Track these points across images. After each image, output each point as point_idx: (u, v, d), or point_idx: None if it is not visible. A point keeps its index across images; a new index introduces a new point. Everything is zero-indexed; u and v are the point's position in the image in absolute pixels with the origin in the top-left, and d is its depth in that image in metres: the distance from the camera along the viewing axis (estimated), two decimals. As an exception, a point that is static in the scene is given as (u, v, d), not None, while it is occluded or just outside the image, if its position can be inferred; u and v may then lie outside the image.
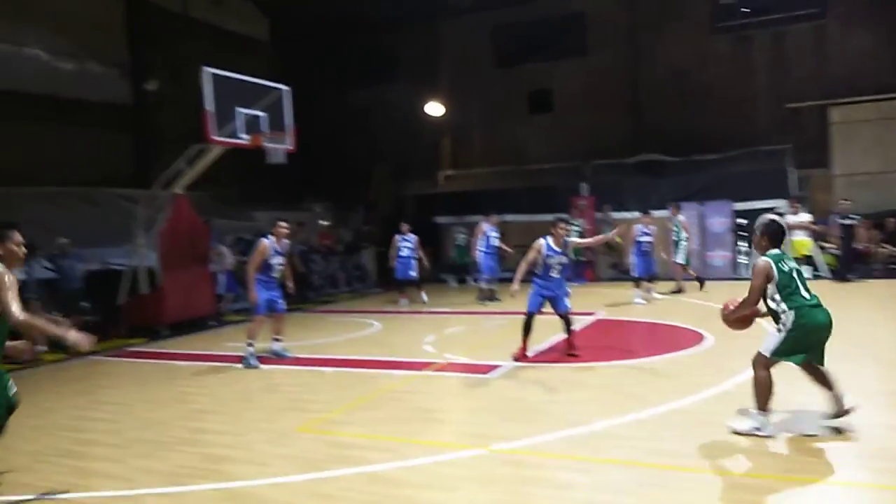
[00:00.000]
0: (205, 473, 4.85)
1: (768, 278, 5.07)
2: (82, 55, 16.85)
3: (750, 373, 6.75)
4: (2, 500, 4.56)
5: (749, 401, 5.31)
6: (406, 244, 14.38)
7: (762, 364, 5.14)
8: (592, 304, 12.52)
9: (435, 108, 20.91)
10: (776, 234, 5.25)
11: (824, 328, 5.06)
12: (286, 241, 9.02)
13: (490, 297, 13.84)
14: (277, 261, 8.82)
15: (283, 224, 9.05)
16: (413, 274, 14.31)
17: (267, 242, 8.78)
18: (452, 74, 21.33)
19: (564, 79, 20.13)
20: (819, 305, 5.07)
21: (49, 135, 15.57)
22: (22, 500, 4.53)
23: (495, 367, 7.75)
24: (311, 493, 4.42)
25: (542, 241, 8.07)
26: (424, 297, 14.07)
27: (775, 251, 5.18)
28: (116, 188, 15.97)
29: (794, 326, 4.99)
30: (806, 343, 5.05)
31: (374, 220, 20.99)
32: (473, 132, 21.44)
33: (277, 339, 9.02)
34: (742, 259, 15.91)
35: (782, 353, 5.08)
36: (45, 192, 14.56)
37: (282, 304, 8.94)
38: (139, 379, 8.34)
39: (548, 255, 7.97)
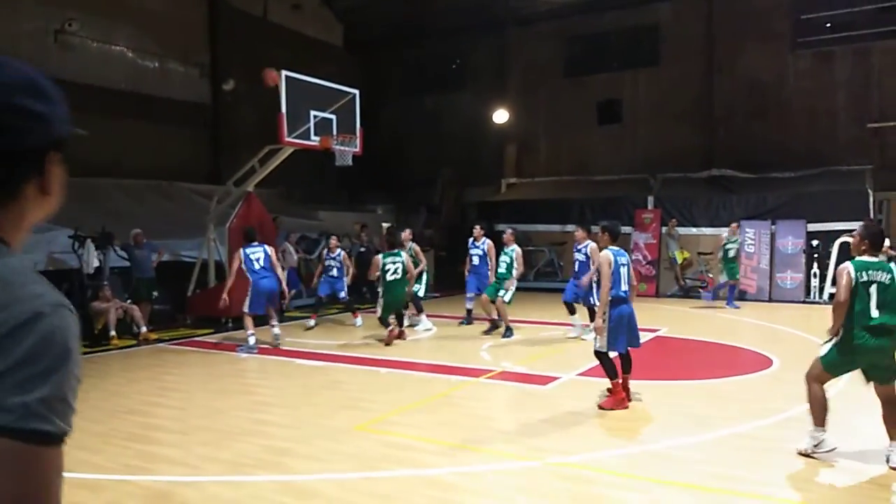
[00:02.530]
0: (265, 465, 4.97)
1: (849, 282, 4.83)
2: (165, 54, 17.56)
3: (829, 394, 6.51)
4: (69, 477, 4.76)
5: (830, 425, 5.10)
6: (475, 251, 11.88)
7: (814, 377, 4.95)
8: (655, 320, 12.26)
9: (501, 116, 20.92)
10: (875, 238, 5.02)
11: (871, 351, 4.82)
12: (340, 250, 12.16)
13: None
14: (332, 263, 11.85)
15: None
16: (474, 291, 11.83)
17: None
18: (521, 82, 21.29)
19: (635, 89, 19.84)
20: (882, 327, 4.77)
21: (131, 130, 16.25)
22: (90, 479, 4.72)
23: (553, 378, 7.68)
24: (368, 491, 4.46)
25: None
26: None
27: (864, 259, 4.92)
28: (192, 183, 16.57)
29: (843, 339, 4.83)
30: (853, 361, 4.89)
31: (435, 224, 21.12)
32: (539, 141, 21.35)
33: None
34: (814, 282, 15.33)
35: (830, 365, 4.97)
36: (123, 184, 15.23)
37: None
38: (204, 368, 8.61)
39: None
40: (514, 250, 10.75)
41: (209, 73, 18.60)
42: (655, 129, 19.19)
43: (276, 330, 9.69)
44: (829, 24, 17.83)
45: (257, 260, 9.47)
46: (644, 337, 10.43)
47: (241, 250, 9.56)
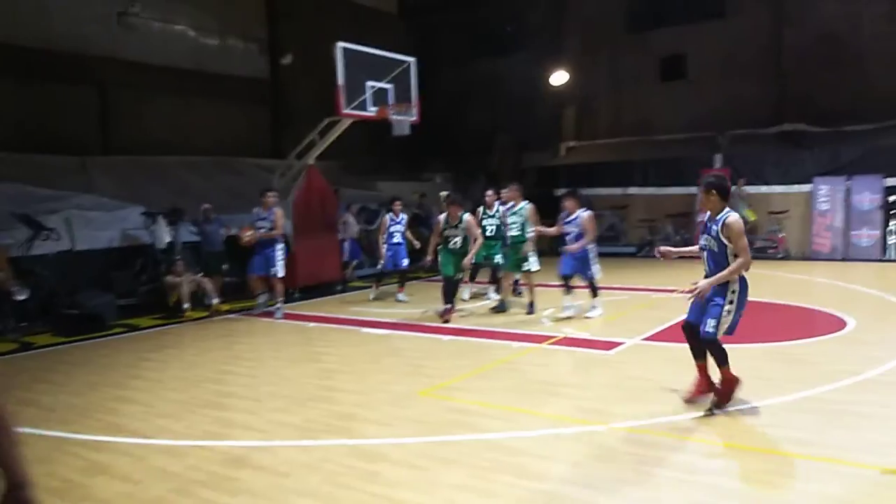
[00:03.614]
0: (334, 429, 5.13)
1: None
2: (225, 31, 17.87)
3: (892, 361, 6.28)
4: (152, 444, 5.03)
5: (892, 389, 4.93)
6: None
7: None
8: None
9: (559, 77, 20.49)
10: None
11: None
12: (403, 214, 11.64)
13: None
14: (397, 229, 11.53)
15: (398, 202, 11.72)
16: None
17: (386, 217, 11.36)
18: (579, 41, 20.77)
19: (700, 44, 19.08)
20: None
21: (195, 107, 16.70)
22: (172, 445, 4.98)
23: (617, 343, 7.62)
24: (432, 455, 4.56)
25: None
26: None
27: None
28: (255, 158, 16.94)
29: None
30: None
31: (495, 191, 20.98)
32: (599, 101, 20.86)
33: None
34: (891, 239, 14.63)
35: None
36: (190, 160, 15.69)
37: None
38: (273, 338, 8.89)
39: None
40: (525, 207, 9.91)
41: (267, 48, 18.85)
42: (722, 85, 18.45)
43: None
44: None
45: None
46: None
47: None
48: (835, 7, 17.07)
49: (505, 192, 10.23)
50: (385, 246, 11.50)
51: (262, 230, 10.20)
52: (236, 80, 17.85)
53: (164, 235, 11.63)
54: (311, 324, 9.67)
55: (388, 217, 11.64)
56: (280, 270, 10.29)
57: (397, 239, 11.58)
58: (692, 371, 6.39)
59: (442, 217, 9.92)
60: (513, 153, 21.76)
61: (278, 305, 10.37)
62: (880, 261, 14.58)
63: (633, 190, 18.24)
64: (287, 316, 10.30)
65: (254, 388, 6.41)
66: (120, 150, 15.04)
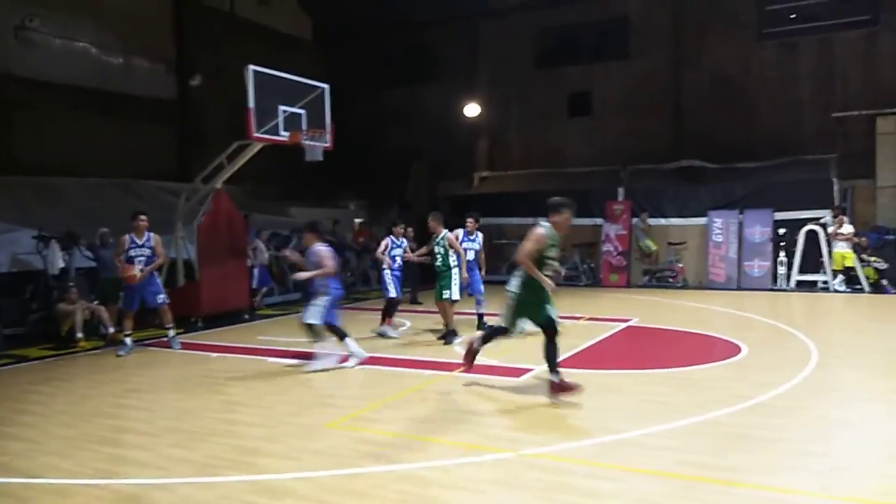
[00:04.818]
0: (236, 465, 4.92)
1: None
2: (130, 50, 17.27)
3: (786, 384, 6.66)
4: (38, 483, 4.68)
5: (784, 412, 5.20)
6: (472, 246, 10.69)
7: None
8: (626, 310, 12.39)
9: (473, 109, 20.91)
10: None
11: None
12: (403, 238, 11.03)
13: None
14: (398, 253, 10.63)
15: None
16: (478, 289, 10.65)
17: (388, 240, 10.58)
18: (492, 75, 21.32)
19: (605, 81, 19.99)
20: None
21: (96, 127, 15.98)
22: (59, 485, 4.64)
23: (526, 370, 7.72)
24: (341, 489, 4.44)
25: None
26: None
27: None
28: (158, 181, 16.33)
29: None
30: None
31: (408, 218, 21.05)
32: (511, 133, 21.41)
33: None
34: (781, 269, 15.60)
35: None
36: (89, 182, 14.96)
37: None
38: (173, 369, 8.50)
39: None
40: (445, 236, 9.96)
41: (175, 68, 18.33)
42: (625, 121, 19.37)
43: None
44: (793, 15, 18.11)
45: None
46: (615, 327, 10.60)
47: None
48: (728, 52, 18.29)
49: (431, 222, 10.20)
50: (388, 272, 10.38)
51: (142, 259, 9.47)
52: (141, 101, 17.24)
53: (58, 260, 11.01)
54: (215, 354, 9.31)
55: (388, 240, 10.62)
56: (166, 297, 9.80)
57: (399, 263, 10.66)
58: (599, 396, 6.54)
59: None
60: (427, 182, 21.94)
61: (173, 334, 9.83)
62: (771, 290, 15.48)
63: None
64: (189, 346, 9.88)
65: (151, 423, 6.09)
66: (15, 171, 14.13)
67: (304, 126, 11.64)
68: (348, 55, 22.73)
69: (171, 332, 9.78)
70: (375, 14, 21.43)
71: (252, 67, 10.84)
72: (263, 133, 11.02)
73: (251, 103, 10.78)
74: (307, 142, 11.58)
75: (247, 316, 12.64)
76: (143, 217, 9.55)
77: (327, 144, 12.03)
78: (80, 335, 10.05)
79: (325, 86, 12.22)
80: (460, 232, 10.52)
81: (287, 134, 11.37)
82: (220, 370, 8.28)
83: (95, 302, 10.65)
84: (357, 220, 20.02)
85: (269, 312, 13.29)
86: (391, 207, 21.37)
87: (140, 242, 9.46)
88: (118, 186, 15.55)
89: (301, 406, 6.51)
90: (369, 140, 21.61)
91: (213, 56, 18.14)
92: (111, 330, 10.34)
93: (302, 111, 11.69)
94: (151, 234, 9.58)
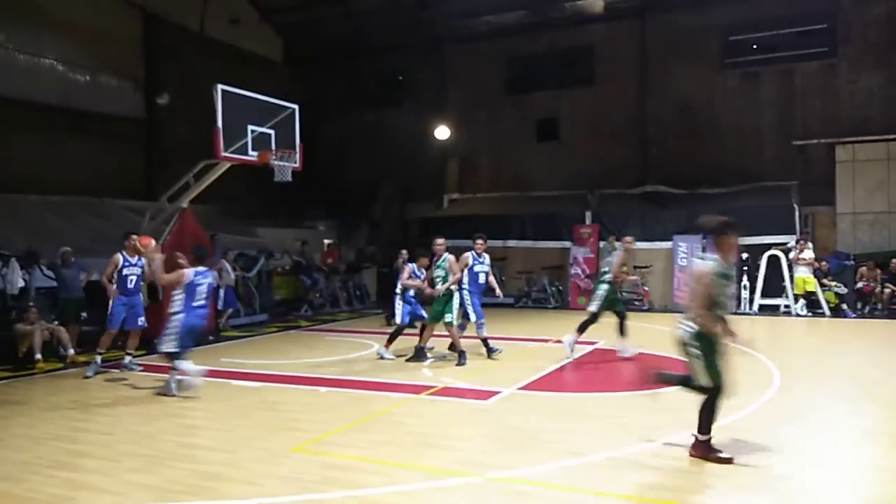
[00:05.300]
0: (196, 490, 4.81)
1: None
2: (98, 68, 17.07)
3: (749, 408, 6.75)
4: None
5: (747, 436, 5.25)
6: (482, 268, 10.44)
7: None
8: (593, 333, 12.45)
9: (443, 132, 21.04)
10: None
11: None
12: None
13: None
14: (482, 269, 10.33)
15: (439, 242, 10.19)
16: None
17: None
18: (461, 99, 21.50)
19: (572, 108, 20.28)
20: None
21: (61, 145, 15.71)
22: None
23: (494, 392, 7.71)
24: (302, 514, 4.37)
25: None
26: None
27: None
28: (124, 199, 16.07)
29: None
30: None
31: (377, 240, 21.04)
32: (480, 157, 21.56)
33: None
34: (745, 293, 15.87)
35: None
36: (52, 200, 14.66)
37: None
38: (133, 391, 8.31)
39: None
40: (447, 259, 9.94)
41: (143, 87, 18.15)
42: (591, 147, 19.64)
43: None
44: (755, 46, 18.61)
45: (201, 288, 8.13)
46: (582, 349, 10.65)
47: (189, 272, 8.06)
48: (692, 81, 18.71)
49: (438, 246, 10.06)
50: (467, 292, 10.04)
51: (133, 277, 9.48)
52: (108, 119, 17.01)
53: (17, 279, 10.73)
54: (176, 377, 9.10)
55: (469, 255, 10.21)
56: (145, 322, 9.69)
57: (482, 280, 10.31)
58: (566, 419, 6.56)
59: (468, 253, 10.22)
60: (397, 203, 21.96)
61: (129, 360, 9.62)
62: (734, 314, 15.70)
63: (511, 243, 18.78)
64: (150, 368, 9.68)
65: (109, 447, 5.93)
66: (-23, 188, 13.82)
67: (273, 146, 11.60)
68: (319, 77, 22.76)
69: (129, 358, 9.58)
70: (346, 38, 21.56)
71: (220, 86, 10.80)
72: (232, 152, 10.95)
73: (219, 122, 10.71)
74: (276, 162, 11.53)
75: (211, 337, 12.43)
76: (134, 236, 9.59)
77: (296, 165, 11.99)
78: (38, 356, 9.79)
79: (295, 106, 12.22)
80: (470, 255, 10.26)
81: (255, 154, 11.31)
82: (181, 393, 8.11)
83: (55, 322, 10.39)
84: (326, 241, 19.90)
85: (235, 334, 13.10)
86: (360, 228, 21.34)
87: (133, 261, 9.49)
88: (82, 205, 15.27)
89: (264, 430, 6.40)
90: (339, 161, 21.60)
91: (183, 75, 18.01)
92: (71, 351, 10.09)
93: (271, 131, 11.66)
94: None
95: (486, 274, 10.48)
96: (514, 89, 21.19)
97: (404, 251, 11.60)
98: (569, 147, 20.19)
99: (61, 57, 16.26)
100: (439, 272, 9.93)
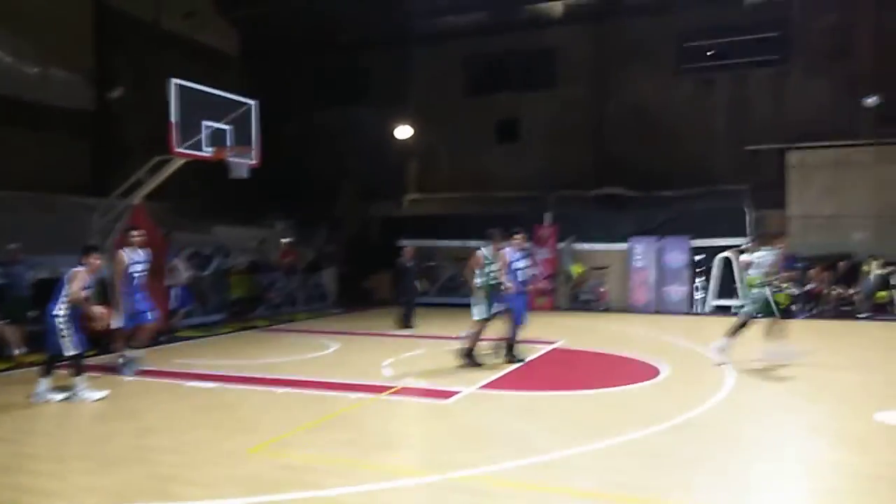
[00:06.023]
0: (150, 493, 4.68)
1: None
2: (46, 59, 16.53)
3: (704, 405, 6.88)
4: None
5: (701, 433, 5.35)
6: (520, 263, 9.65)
7: None
8: (552, 333, 12.57)
9: (403, 131, 20.98)
10: None
11: None
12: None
13: None
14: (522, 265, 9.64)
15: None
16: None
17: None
18: (422, 99, 21.48)
19: (532, 110, 20.45)
20: None
21: (8, 138, 15.17)
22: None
23: (454, 392, 7.70)
24: (260, 516, 4.29)
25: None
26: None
27: None
28: (74, 195, 15.59)
29: None
30: None
31: (337, 239, 20.86)
32: (440, 157, 21.57)
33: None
34: (698, 294, 16.21)
35: None
36: (-3, 195, 14.14)
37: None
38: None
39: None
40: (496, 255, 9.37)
41: (95, 79, 17.65)
42: (550, 149, 19.83)
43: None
44: (710, 52, 19.04)
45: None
46: (541, 349, 10.73)
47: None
48: (649, 85, 19.05)
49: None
50: (511, 284, 9.32)
51: (139, 274, 9.21)
52: (57, 112, 16.48)
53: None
54: (128, 377, 8.89)
55: (507, 251, 9.45)
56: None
57: (521, 277, 9.62)
58: (525, 418, 6.60)
59: (486, 251, 9.36)
60: (355, 203, 21.82)
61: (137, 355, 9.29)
62: (688, 314, 16.04)
63: (472, 243, 18.83)
64: (103, 368, 9.39)
65: (58, 449, 5.74)
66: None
67: (230, 142, 11.38)
68: (279, 73, 22.45)
69: (131, 354, 9.14)
70: (306, 32, 21.30)
71: (175, 80, 10.55)
72: (186, 148, 10.71)
73: (173, 117, 10.46)
74: (232, 158, 11.31)
75: (164, 338, 12.15)
76: (134, 232, 9.36)
77: (253, 162, 11.79)
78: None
79: (253, 102, 12.01)
80: (509, 250, 9.46)
81: (211, 150, 11.09)
82: (133, 394, 7.91)
83: (3, 321, 10.03)
84: (283, 240, 19.64)
85: (189, 334, 12.83)
86: (320, 228, 21.11)
87: (138, 258, 9.24)
88: (31, 200, 14.75)
89: (221, 431, 6.27)
90: (298, 159, 21.34)
91: (135, 68, 17.57)
92: (17, 351, 9.75)
93: (227, 127, 11.43)
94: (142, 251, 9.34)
95: (526, 271, 9.68)
96: (474, 90, 21.27)
97: (407, 248, 11.29)
98: (528, 148, 20.36)
99: (9, 48, 15.71)
100: (493, 267, 9.32)
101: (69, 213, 14.48)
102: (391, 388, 8.04)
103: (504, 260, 9.38)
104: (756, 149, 17.71)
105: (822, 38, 17.67)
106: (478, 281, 9.40)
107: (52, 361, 7.55)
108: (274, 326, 14.48)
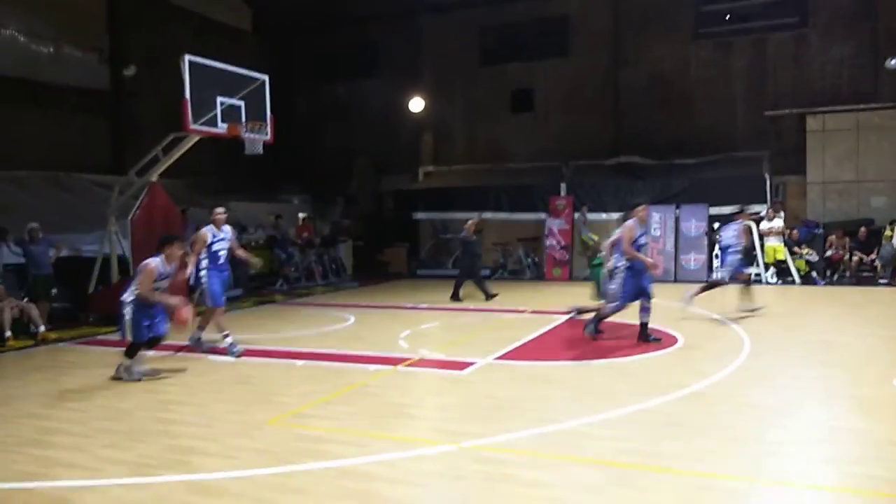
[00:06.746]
0: (171, 464, 4.79)
1: None
2: (61, 39, 16.61)
3: (720, 373, 6.88)
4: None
5: (717, 401, 5.35)
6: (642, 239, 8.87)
7: None
8: (568, 302, 12.56)
9: (417, 104, 20.87)
10: None
11: None
12: None
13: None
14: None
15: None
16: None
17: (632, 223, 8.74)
18: (436, 71, 21.31)
19: (546, 79, 20.21)
20: None
21: (24, 118, 15.33)
22: (-19, 488, 4.44)
23: (469, 363, 7.76)
24: (280, 486, 4.38)
25: None
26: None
27: None
28: (91, 174, 15.76)
29: None
30: None
31: (352, 213, 20.92)
32: (455, 129, 21.45)
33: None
34: (716, 262, 16.07)
35: None
36: (17, 175, 14.32)
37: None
38: (107, 368, 8.20)
39: None
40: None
41: (108, 58, 17.70)
42: (566, 118, 19.64)
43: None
44: (727, 16, 18.65)
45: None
46: (558, 319, 10.75)
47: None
48: (664, 52, 18.72)
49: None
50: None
51: (224, 251, 8.96)
52: (72, 91, 16.58)
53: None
54: (150, 352, 9.01)
55: (630, 224, 8.69)
56: None
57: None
58: (542, 387, 6.65)
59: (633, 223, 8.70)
60: (371, 176, 21.82)
61: (231, 340, 8.85)
62: (706, 282, 15.91)
63: (487, 215, 18.81)
64: (124, 344, 9.55)
65: (83, 424, 5.87)
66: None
67: (243, 118, 11.40)
68: (290, 48, 22.39)
69: (229, 339, 8.74)
70: (318, 6, 21.16)
71: (188, 57, 10.55)
72: (201, 125, 10.75)
73: (187, 94, 10.49)
74: (247, 135, 11.34)
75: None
76: (219, 210, 9.15)
77: (268, 137, 11.80)
78: (8, 334, 9.63)
79: (265, 77, 11.98)
80: (632, 223, 8.72)
81: (225, 126, 11.12)
82: (157, 368, 8.05)
83: (25, 299, 10.23)
84: (300, 215, 19.73)
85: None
86: (335, 202, 21.18)
87: (221, 235, 8.98)
88: (48, 180, 14.94)
89: (240, 404, 6.38)
90: (312, 134, 21.37)
91: (149, 46, 17.59)
92: (42, 328, 9.94)
93: (241, 103, 11.44)
94: (228, 226, 9.16)
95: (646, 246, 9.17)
96: (488, 60, 21.04)
97: (470, 221, 12.16)
98: (543, 118, 20.17)
99: (23, 28, 15.78)
100: (642, 240, 8.89)
101: (86, 192, 14.67)
102: (407, 359, 8.11)
103: (629, 234, 8.55)
104: (775, 114, 17.41)
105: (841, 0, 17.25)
106: (616, 257, 8.74)
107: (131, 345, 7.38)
108: (291, 301, 14.62)
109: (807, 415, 5.74)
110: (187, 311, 7.40)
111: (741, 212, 11.82)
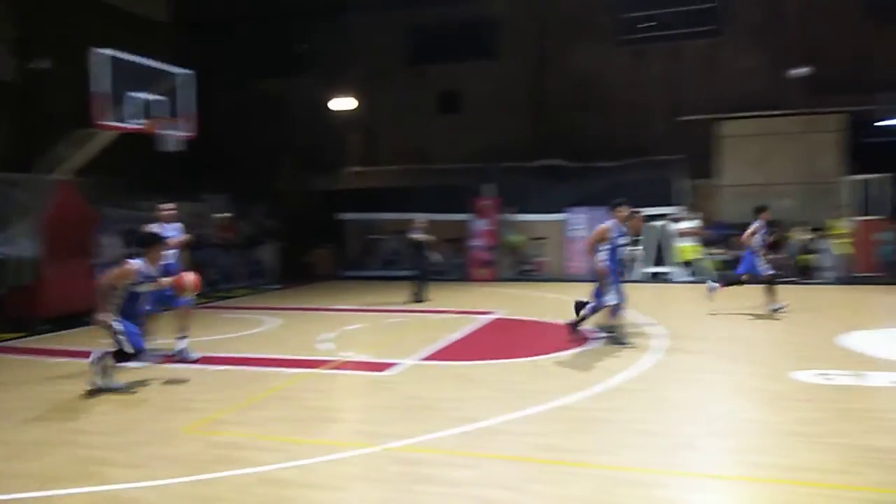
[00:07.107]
0: (79, 476, 4.59)
1: None
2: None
3: (634, 369, 7.11)
4: None
5: (630, 396, 5.54)
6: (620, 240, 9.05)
7: None
8: (492, 303, 12.74)
9: (345, 103, 20.67)
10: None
11: None
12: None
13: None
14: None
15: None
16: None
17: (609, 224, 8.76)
18: (364, 70, 21.17)
19: (474, 81, 20.40)
20: None
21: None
22: None
23: (391, 364, 7.75)
24: (194, 495, 4.26)
25: None
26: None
27: None
28: (-6, 171, 14.89)
29: None
30: None
31: (277, 213, 20.53)
32: (382, 129, 21.37)
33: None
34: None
35: None
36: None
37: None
38: (13, 375, 7.81)
39: None
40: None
41: (17, 49, 16.78)
42: (492, 120, 19.87)
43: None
44: (646, 24, 19.28)
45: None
46: (482, 319, 10.88)
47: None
48: (588, 57, 19.21)
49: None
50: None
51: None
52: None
53: None
54: (58, 359, 8.63)
55: (609, 225, 8.74)
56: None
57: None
58: (461, 387, 6.70)
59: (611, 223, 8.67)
60: (295, 176, 21.46)
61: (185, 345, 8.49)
62: (623, 282, 16.42)
63: (414, 215, 18.84)
64: (29, 350, 9.12)
65: (-18, 435, 5.56)
66: None
67: (161, 114, 11.02)
68: (214, 43, 21.75)
69: (184, 343, 8.40)
70: (243, 1, 20.67)
71: (98, 50, 10.13)
72: (115, 120, 10.33)
73: (95, 88, 10.07)
74: (163, 131, 10.97)
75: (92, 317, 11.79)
76: (162, 206, 9.08)
77: (186, 134, 11.45)
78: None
79: (185, 72, 11.63)
80: (612, 225, 8.80)
81: (142, 122, 10.73)
82: (64, 375, 7.69)
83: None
84: (219, 215, 19.20)
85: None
86: (259, 202, 20.72)
87: (169, 232, 8.70)
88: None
89: (155, 411, 6.17)
90: (236, 132, 20.83)
91: (61, 37, 16.76)
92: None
93: (158, 98, 11.06)
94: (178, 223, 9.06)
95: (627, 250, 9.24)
96: (417, 60, 21.06)
97: (418, 220, 12.15)
98: (470, 119, 20.33)
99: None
100: (622, 241, 8.94)
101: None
102: (330, 361, 8.04)
103: (599, 234, 8.69)
104: (689, 119, 18.12)
105: (754, 9, 18.11)
106: (603, 256, 8.70)
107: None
108: (211, 304, 14.24)
109: (716, 408, 6.00)
110: (189, 276, 7.31)
111: (765, 209, 11.55)
